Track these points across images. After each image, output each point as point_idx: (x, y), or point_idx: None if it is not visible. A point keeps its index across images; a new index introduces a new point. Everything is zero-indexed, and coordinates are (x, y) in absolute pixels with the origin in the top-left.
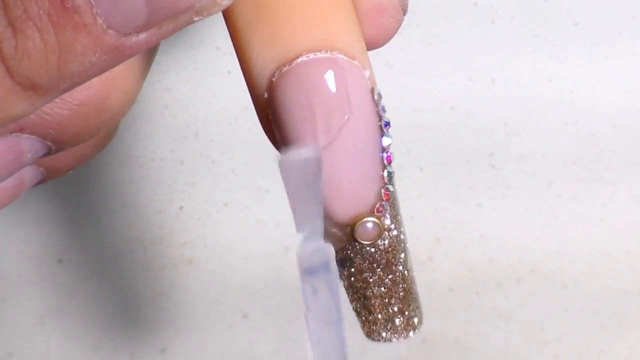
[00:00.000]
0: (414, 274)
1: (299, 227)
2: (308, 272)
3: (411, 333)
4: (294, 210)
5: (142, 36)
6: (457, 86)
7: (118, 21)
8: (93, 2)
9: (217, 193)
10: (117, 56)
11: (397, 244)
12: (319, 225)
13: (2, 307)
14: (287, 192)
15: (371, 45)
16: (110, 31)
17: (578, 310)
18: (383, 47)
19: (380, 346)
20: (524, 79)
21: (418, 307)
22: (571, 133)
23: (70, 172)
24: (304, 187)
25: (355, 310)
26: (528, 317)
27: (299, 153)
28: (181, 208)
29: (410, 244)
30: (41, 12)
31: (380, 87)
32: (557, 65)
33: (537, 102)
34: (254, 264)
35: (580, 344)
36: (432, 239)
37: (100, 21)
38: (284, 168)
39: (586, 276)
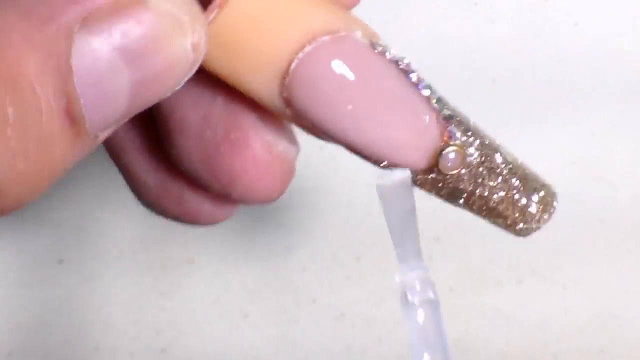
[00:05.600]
0: (520, 161)
1: (399, 253)
2: (411, 299)
3: (555, 204)
4: (393, 236)
5: (105, 134)
6: (457, 86)
7: (98, 125)
8: (86, 117)
9: None
10: (87, 153)
11: (487, 150)
12: (418, 248)
13: (2, 307)
14: (386, 217)
15: (350, 6)
16: (97, 135)
17: (578, 310)
18: None
19: (381, 345)
20: (524, 79)
21: (543, 185)
22: (572, 133)
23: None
24: (401, 211)
25: (495, 224)
26: (528, 317)
27: (394, 177)
28: None
29: None
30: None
31: None
32: (557, 65)
33: (537, 103)
34: (255, 264)
35: (580, 344)
36: (432, 239)
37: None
38: (382, 194)
39: (586, 276)
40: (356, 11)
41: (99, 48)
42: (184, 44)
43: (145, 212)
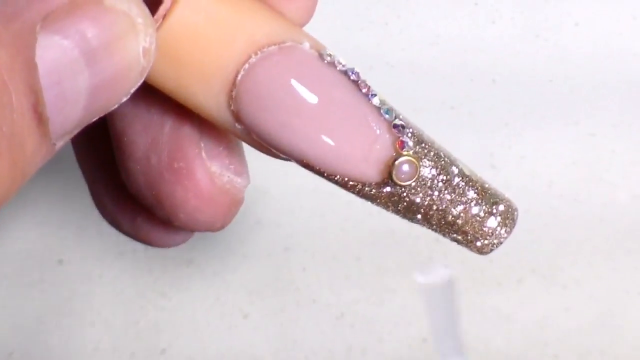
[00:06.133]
0: (478, 175)
1: (440, 349)
2: None
3: (515, 219)
4: (434, 332)
5: (61, 142)
6: (457, 86)
7: (59, 129)
8: (49, 118)
9: None
10: (46, 161)
11: (442, 162)
12: (459, 344)
13: (2, 307)
14: (428, 313)
15: (301, 24)
16: (55, 142)
17: (578, 310)
18: (383, 47)
19: (381, 345)
20: (524, 79)
21: (502, 199)
22: (571, 133)
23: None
24: (443, 309)
25: (455, 241)
26: (528, 317)
27: (435, 275)
28: None
29: (410, 244)
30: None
31: (380, 87)
32: (557, 65)
33: (537, 103)
34: (254, 264)
35: (580, 344)
36: (432, 239)
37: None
38: (424, 291)
39: (586, 276)
40: (356, 12)
41: (59, 47)
42: (137, 47)
43: None
